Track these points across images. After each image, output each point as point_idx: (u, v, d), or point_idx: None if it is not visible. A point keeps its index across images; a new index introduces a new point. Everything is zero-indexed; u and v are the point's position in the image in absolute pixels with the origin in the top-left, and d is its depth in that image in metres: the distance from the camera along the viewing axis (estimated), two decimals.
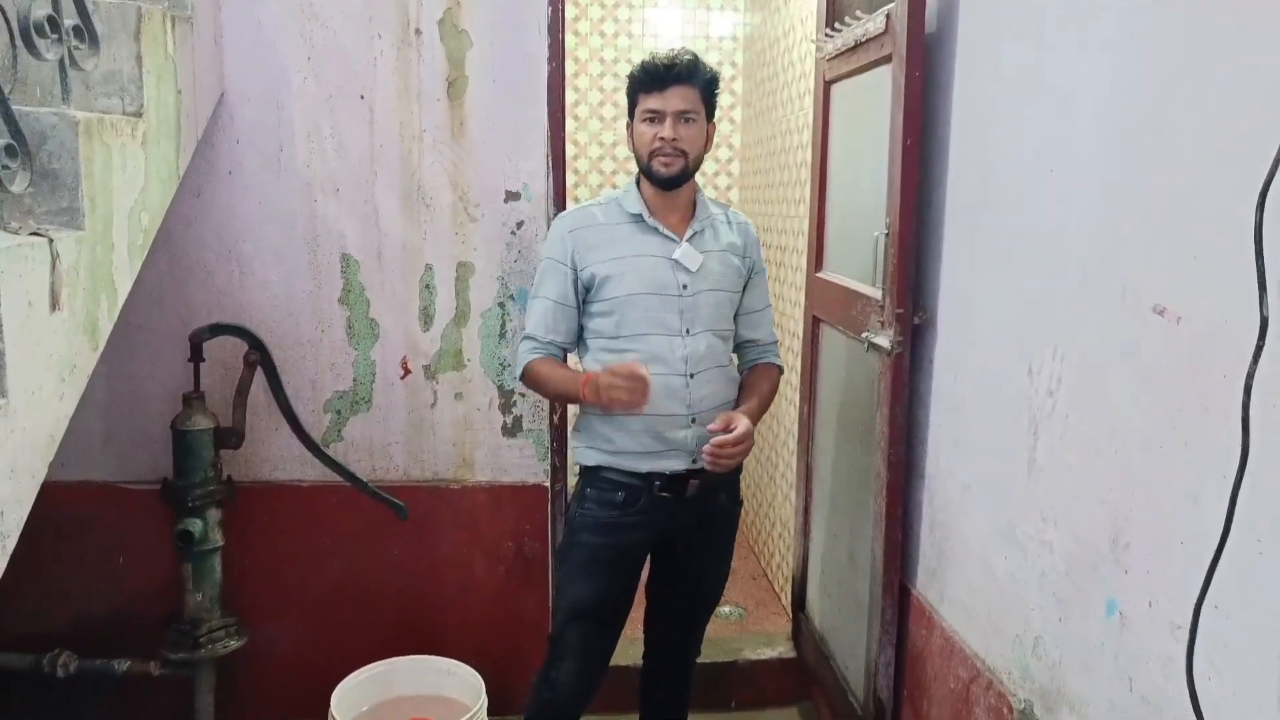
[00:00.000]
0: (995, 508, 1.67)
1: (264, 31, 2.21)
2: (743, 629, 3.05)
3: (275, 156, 2.26)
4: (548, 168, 2.32)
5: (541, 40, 2.27)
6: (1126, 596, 1.29)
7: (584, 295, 1.88)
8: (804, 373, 2.61)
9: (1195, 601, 1.07)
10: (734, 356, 2.01)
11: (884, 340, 1.93)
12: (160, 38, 1.68)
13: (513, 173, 2.32)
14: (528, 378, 1.92)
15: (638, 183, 1.92)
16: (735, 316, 1.98)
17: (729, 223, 1.98)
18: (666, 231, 1.88)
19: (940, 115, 1.85)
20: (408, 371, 2.38)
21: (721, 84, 3.89)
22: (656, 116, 1.82)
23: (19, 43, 1.13)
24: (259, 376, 2.25)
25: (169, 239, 2.21)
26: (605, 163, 3.98)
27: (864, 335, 2.02)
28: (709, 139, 1.90)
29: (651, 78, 1.81)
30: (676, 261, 1.86)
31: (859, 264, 2.15)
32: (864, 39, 2.05)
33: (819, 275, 2.48)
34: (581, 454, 1.92)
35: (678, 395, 1.85)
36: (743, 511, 3.88)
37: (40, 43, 1.15)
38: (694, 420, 1.86)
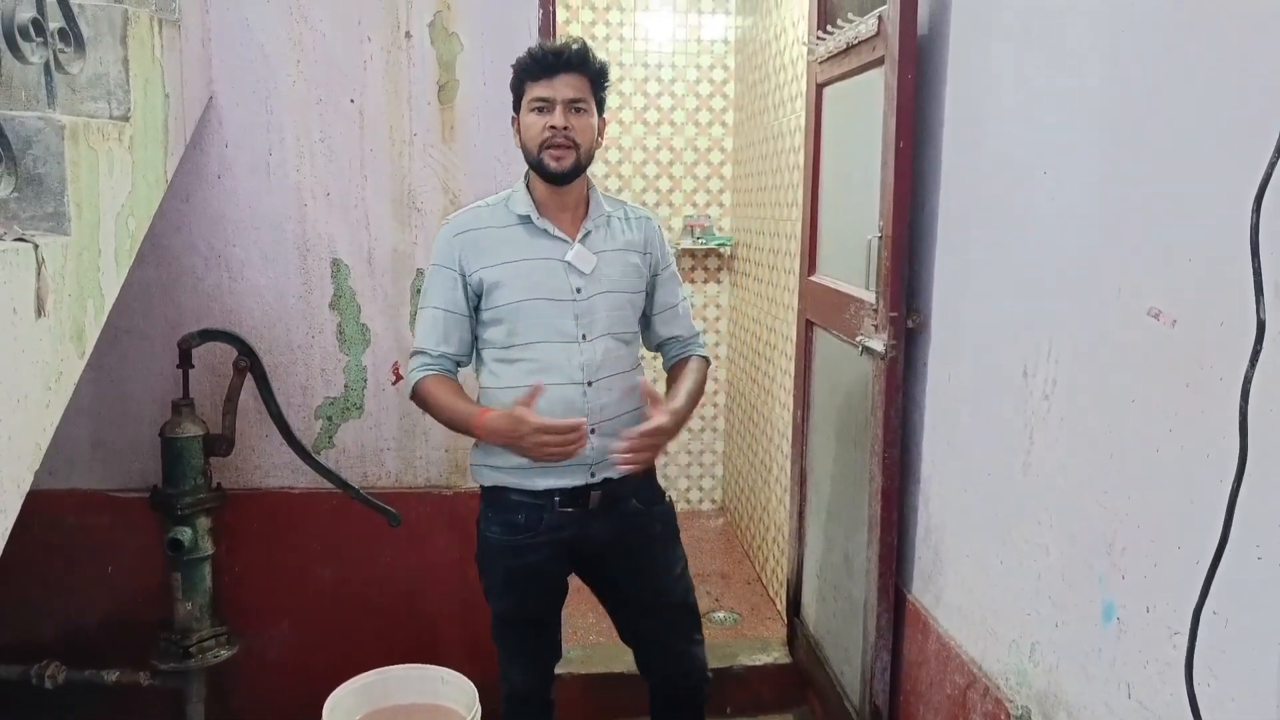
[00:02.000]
0: (991, 511, 1.66)
1: (252, 34, 2.20)
2: (737, 634, 3.04)
3: (264, 160, 2.25)
4: None
5: (532, 43, 2.25)
6: (1124, 601, 1.28)
7: (475, 302, 1.79)
8: (797, 377, 2.60)
9: (1194, 607, 1.07)
10: (640, 362, 1.89)
11: (877, 344, 1.92)
12: (147, 41, 1.67)
13: (504, 176, 2.31)
14: (417, 398, 1.81)
15: (527, 182, 1.81)
16: (650, 316, 1.90)
17: (627, 219, 1.86)
18: (557, 232, 1.77)
19: (933, 117, 1.85)
20: (399, 377, 2.37)
21: (712, 87, 3.94)
22: (545, 105, 1.71)
23: (3, 45, 1.11)
24: (249, 383, 2.23)
25: (157, 244, 2.19)
26: (596, 166, 3.97)
27: (857, 339, 2.01)
28: (601, 133, 1.81)
29: (539, 65, 1.70)
30: (569, 264, 1.76)
31: (852, 267, 2.15)
32: (856, 41, 2.04)
33: (812, 279, 2.47)
34: (478, 472, 1.84)
35: (575, 405, 1.74)
36: (737, 517, 3.83)
37: (25, 46, 1.14)
38: (593, 431, 1.75)
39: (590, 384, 1.76)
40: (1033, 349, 1.51)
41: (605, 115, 1.82)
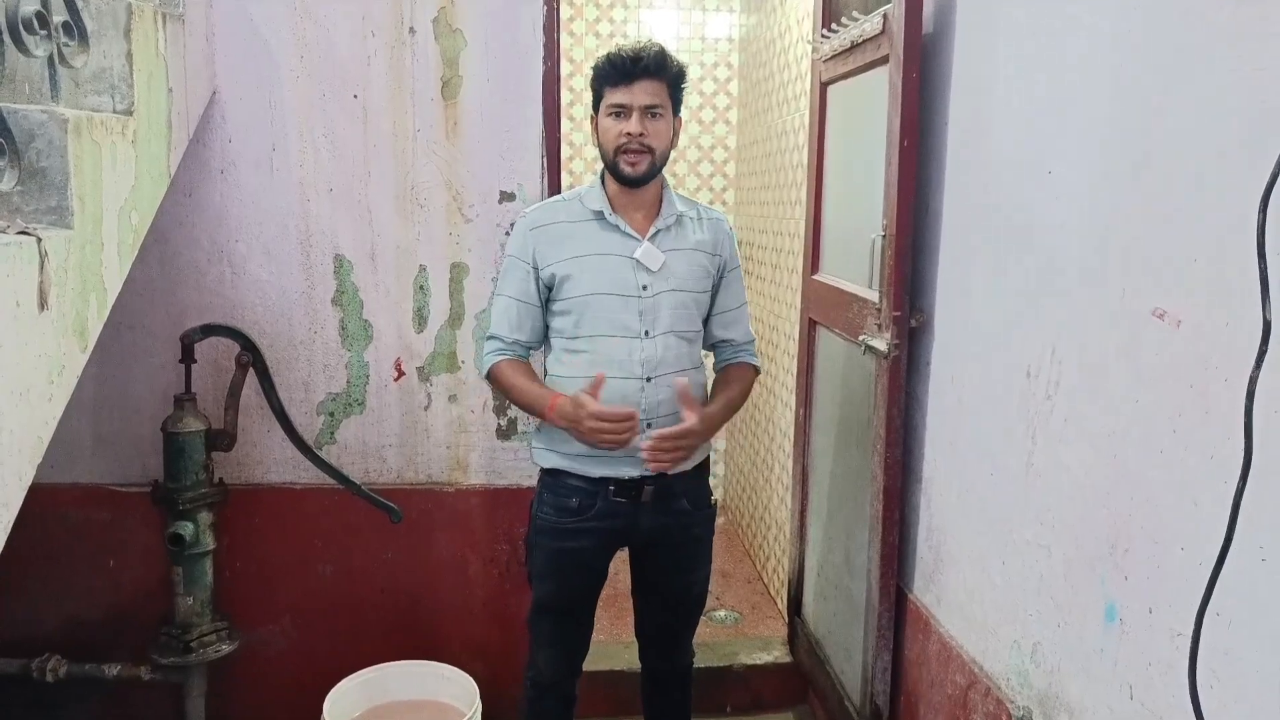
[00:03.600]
0: (993, 511, 1.66)
1: (256, 29, 2.19)
2: (738, 633, 3.04)
3: (268, 156, 2.24)
4: (542, 168, 2.31)
5: (536, 40, 2.26)
6: (1126, 602, 1.28)
7: (545, 294, 1.86)
8: (800, 376, 2.60)
9: (1197, 608, 1.06)
10: (701, 361, 1.95)
11: (880, 343, 1.92)
12: (151, 35, 1.67)
13: (507, 173, 2.30)
14: (494, 381, 1.90)
15: (602, 179, 1.87)
16: (710, 316, 1.94)
17: (700, 219, 1.91)
18: (628, 229, 1.83)
19: (938, 117, 1.85)
20: (401, 373, 2.37)
21: (716, 85, 3.93)
22: (623, 111, 1.77)
23: (7, 39, 1.11)
24: (251, 378, 2.23)
25: (160, 239, 2.19)
26: (600, 164, 3.96)
27: (860, 338, 2.01)
28: (676, 134, 1.85)
29: (617, 71, 1.76)
30: (637, 261, 1.81)
31: (855, 266, 2.14)
32: (861, 40, 2.04)
33: (815, 278, 2.47)
34: (540, 455, 1.91)
35: (632, 400, 1.79)
36: (738, 515, 3.83)
37: (29, 39, 1.14)
38: (649, 425, 1.80)
39: (649, 380, 1.81)
40: (1036, 349, 1.51)
41: (680, 115, 1.87)
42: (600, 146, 1.83)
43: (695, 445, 1.82)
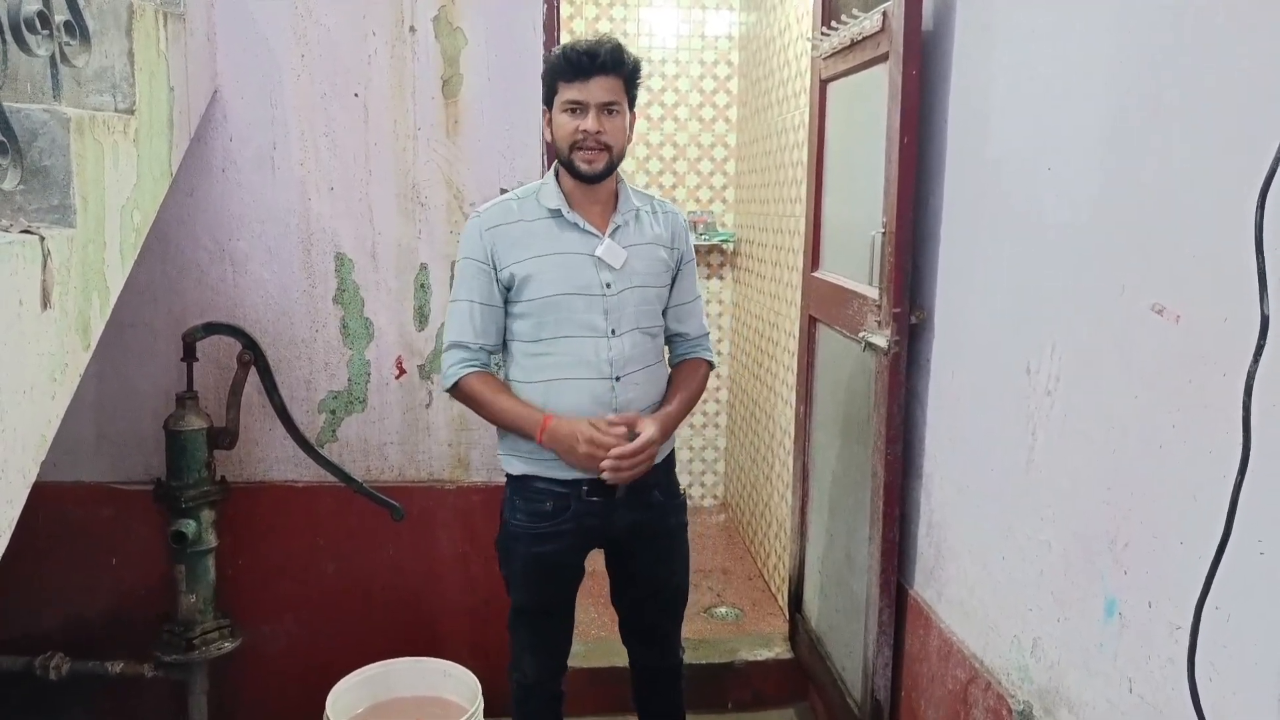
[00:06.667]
0: (993, 507, 1.66)
1: (257, 28, 2.20)
2: (739, 630, 3.04)
3: (269, 154, 2.25)
4: (543, 165, 2.31)
5: (536, 38, 2.26)
6: (1126, 597, 1.29)
7: (504, 295, 1.80)
8: (800, 373, 2.60)
9: (1196, 602, 1.07)
10: (663, 355, 1.92)
11: (881, 340, 1.92)
12: (152, 34, 1.67)
13: (508, 170, 2.31)
14: (461, 395, 1.82)
15: (556, 174, 1.82)
16: (665, 309, 1.91)
17: (655, 213, 1.88)
18: (587, 227, 1.78)
19: (937, 113, 1.85)
20: (402, 371, 2.37)
21: (716, 83, 3.93)
22: (579, 108, 1.71)
23: (9, 38, 1.11)
24: (252, 376, 2.24)
25: (162, 237, 2.20)
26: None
27: (861, 335, 2.01)
28: (631, 129, 1.82)
29: (574, 67, 1.70)
30: (599, 259, 1.77)
31: (855, 263, 2.15)
32: (860, 37, 2.04)
33: (815, 275, 2.47)
34: (507, 462, 1.86)
35: (603, 400, 1.77)
36: (739, 512, 3.84)
37: (31, 38, 1.14)
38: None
39: (619, 379, 1.79)
40: (1036, 345, 1.51)
41: (635, 111, 1.83)
42: (555, 142, 1.78)
43: (655, 453, 1.78)
